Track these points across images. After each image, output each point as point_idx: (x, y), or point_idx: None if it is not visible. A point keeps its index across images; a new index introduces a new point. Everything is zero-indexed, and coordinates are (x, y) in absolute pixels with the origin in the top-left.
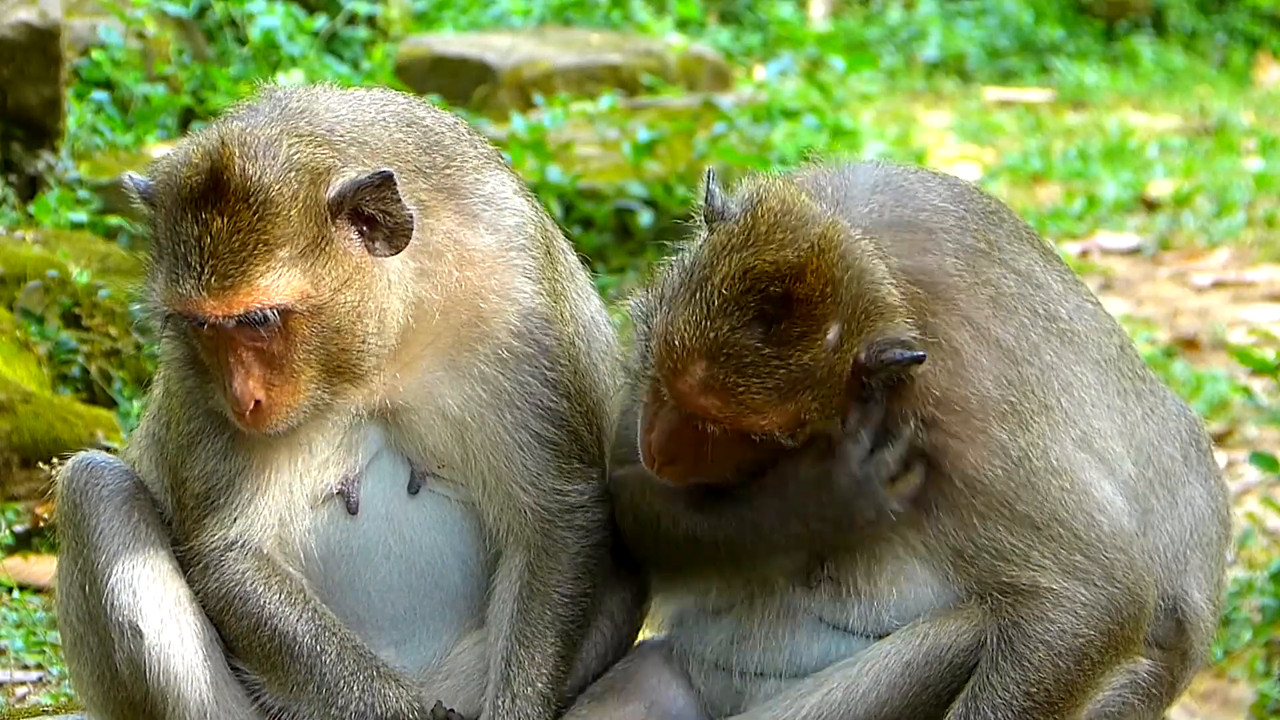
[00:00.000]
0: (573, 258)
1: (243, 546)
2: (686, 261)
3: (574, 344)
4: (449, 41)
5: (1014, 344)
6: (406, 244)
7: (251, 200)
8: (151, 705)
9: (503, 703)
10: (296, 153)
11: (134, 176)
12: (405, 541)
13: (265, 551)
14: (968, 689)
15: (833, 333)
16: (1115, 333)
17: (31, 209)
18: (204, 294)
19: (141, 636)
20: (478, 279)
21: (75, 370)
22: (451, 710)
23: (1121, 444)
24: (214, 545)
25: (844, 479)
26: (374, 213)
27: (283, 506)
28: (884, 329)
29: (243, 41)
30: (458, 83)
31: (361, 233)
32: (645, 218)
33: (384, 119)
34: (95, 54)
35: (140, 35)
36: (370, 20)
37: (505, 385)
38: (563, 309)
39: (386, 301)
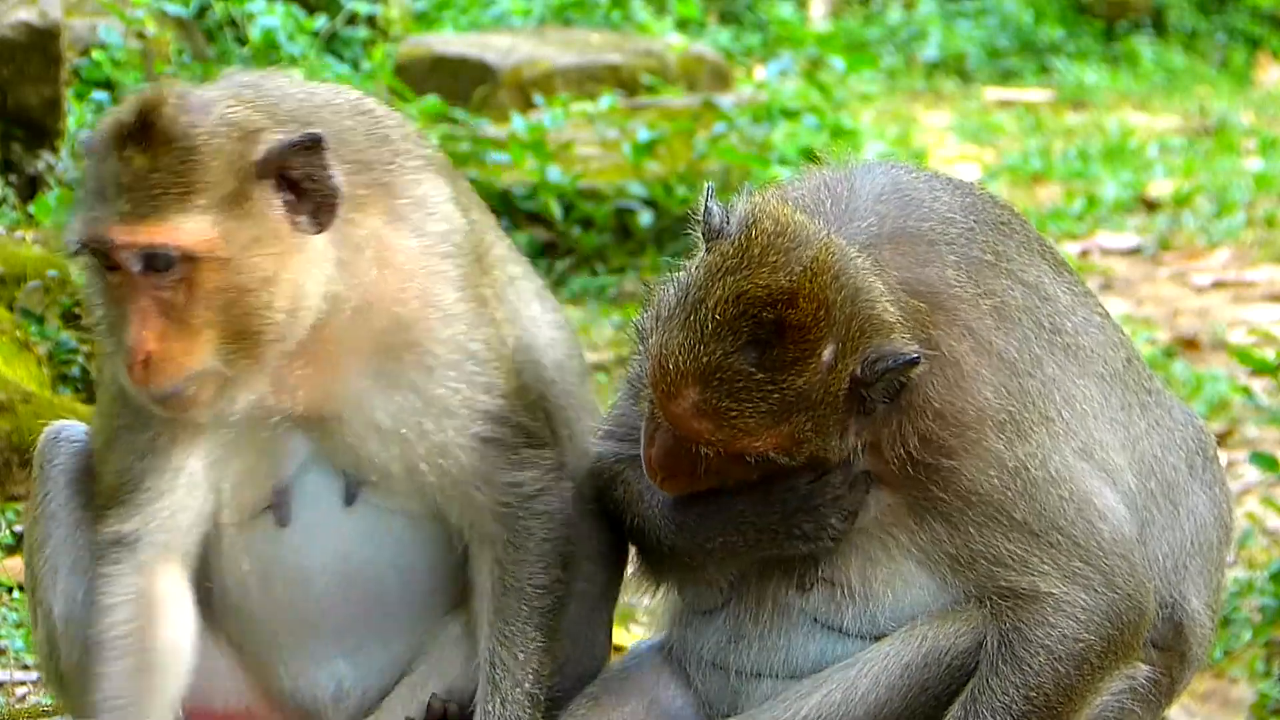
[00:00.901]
0: (516, 267)
1: (130, 546)
2: (682, 281)
3: (504, 343)
4: (449, 41)
5: (1016, 356)
6: (331, 219)
7: (175, 145)
8: (67, 685)
9: (492, 708)
10: (232, 112)
11: (85, 133)
12: (341, 555)
13: (153, 557)
14: (967, 692)
15: (828, 354)
16: (1122, 346)
17: (31, 209)
18: (114, 219)
19: (53, 621)
20: (397, 283)
21: (75, 370)
22: (447, 701)
23: (1123, 457)
24: (106, 538)
25: (787, 494)
26: (301, 177)
27: (197, 513)
28: (880, 345)
29: (243, 41)
30: (458, 83)
31: (287, 203)
32: (645, 218)
33: (335, 104)
34: (95, 54)
35: (140, 35)
36: (370, 20)
37: (437, 393)
38: (493, 312)
39: (303, 278)
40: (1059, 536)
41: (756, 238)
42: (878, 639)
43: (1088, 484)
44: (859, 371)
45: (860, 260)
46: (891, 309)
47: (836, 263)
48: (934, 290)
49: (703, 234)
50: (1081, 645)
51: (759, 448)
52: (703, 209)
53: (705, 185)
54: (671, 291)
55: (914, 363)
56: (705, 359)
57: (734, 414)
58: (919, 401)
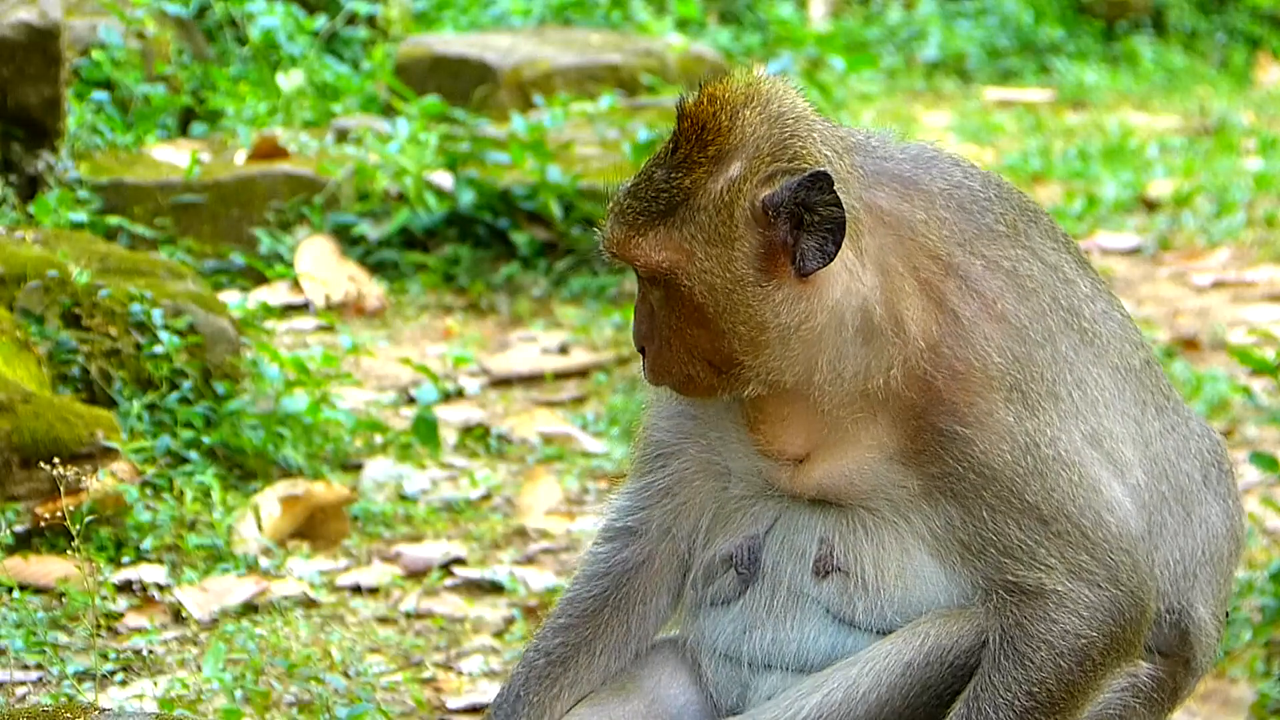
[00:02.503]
0: None
1: None
2: None
3: None
4: (449, 41)
5: (1027, 324)
6: None
7: None
8: None
9: None
10: None
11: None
12: None
13: None
14: (969, 688)
15: (734, 169)
16: (1141, 347)
17: (31, 209)
18: None
19: None
20: None
21: (75, 370)
22: None
23: (1133, 451)
24: None
25: None
26: None
27: None
28: (791, 176)
29: (243, 41)
30: (458, 83)
31: None
32: None
33: None
34: (95, 54)
35: (140, 35)
36: (370, 20)
37: None
38: None
39: None
40: (1067, 525)
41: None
42: (886, 634)
43: (1096, 472)
44: (764, 198)
45: (819, 118)
46: (826, 151)
47: (777, 94)
48: (918, 235)
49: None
50: (1084, 641)
51: (650, 254)
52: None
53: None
54: None
55: (817, 177)
56: (631, 179)
57: (633, 215)
58: (909, 335)
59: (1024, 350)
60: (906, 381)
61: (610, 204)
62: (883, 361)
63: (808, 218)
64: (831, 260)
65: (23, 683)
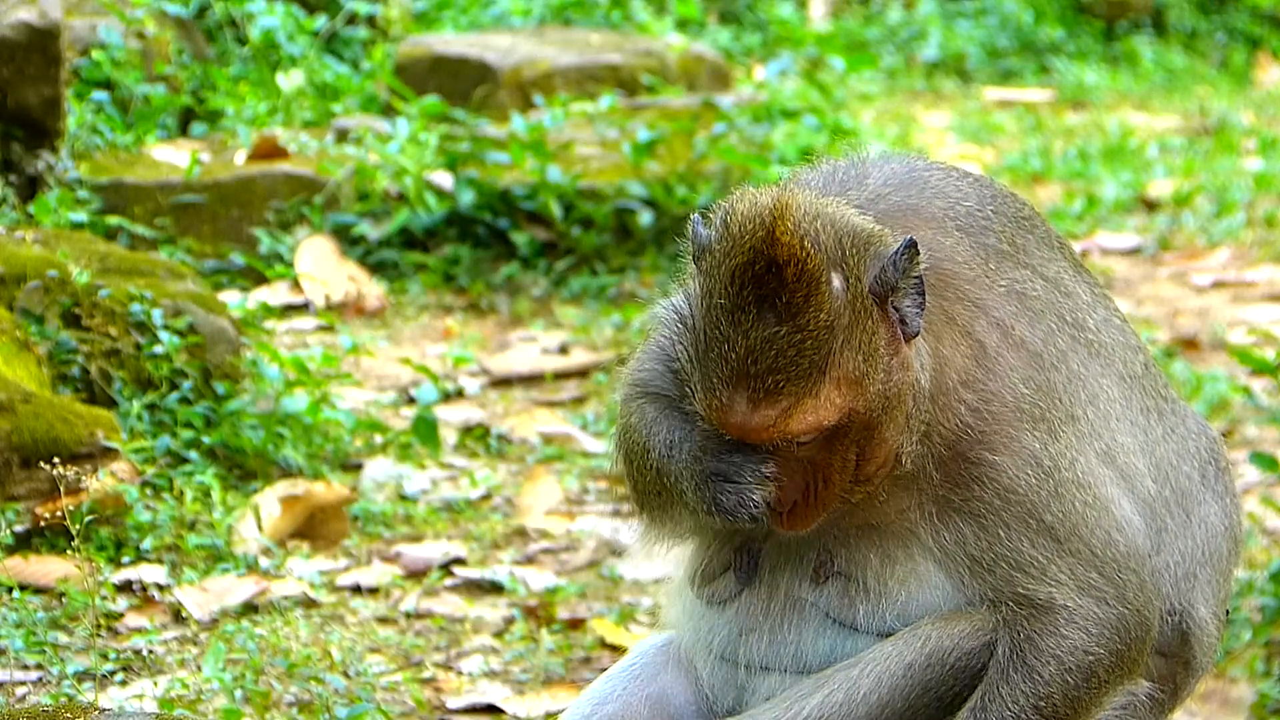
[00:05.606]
0: None
1: None
2: (686, 309)
3: None
4: (449, 41)
5: (1041, 348)
6: None
7: None
8: None
9: None
10: None
11: None
12: None
13: None
14: (975, 699)
15: (836, 281)
16: (1140, 350)
17: (31, 209)
18: None
19: None
20: None
21: (75, 370)
22: None
23: (1143, 460)
24: None
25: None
26: None
27: None
28: (880, 253)
29: (243, 41)
30: (458, 83)
31: None
32: (645, 218)
33: None
34: (95, 54)
35: (140, 35)
36: (370, 20)
37: None
38: None
39: None
40: (1080, 545)
41: (732, 224)
42: (886, 636)
43: (1108, 491)
44: (874, 286)
45: (828, 198)
46: (870, 222)
47: (803, 201)
48: (940, 268)
49: (694, 257)
50: (1091, 658)
51: (825, 408)
52: (690, 235)
53: (692, 217)
54: (681, 325)
55: (911, 245)
56: (734, 351)
57: (784, 384)
58: (951, 379)
59: (1043, 377)
60: (943, 415)
61: (723, 397)
62: (937, 397)
63: (902, 283)
64: (923, 313)
65: (23, 683)
